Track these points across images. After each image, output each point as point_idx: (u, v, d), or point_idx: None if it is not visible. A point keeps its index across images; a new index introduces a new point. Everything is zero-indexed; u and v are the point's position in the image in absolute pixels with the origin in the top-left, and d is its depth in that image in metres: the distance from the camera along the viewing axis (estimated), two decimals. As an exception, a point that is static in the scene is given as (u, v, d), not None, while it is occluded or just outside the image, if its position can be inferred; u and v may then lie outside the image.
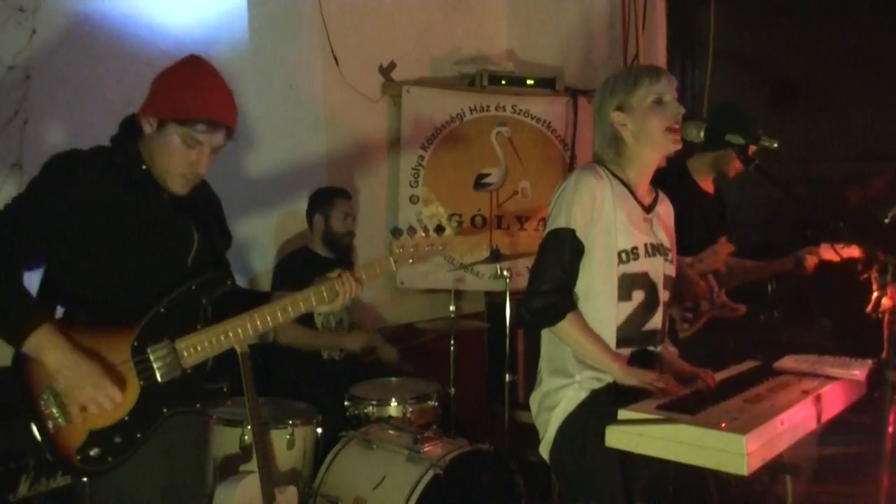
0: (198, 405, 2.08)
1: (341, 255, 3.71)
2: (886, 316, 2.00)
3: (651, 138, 2.17)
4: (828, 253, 3.16)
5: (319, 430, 3.10)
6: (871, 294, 2.05)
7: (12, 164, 2.95)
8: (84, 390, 1.88)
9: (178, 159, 2.00)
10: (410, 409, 3.32)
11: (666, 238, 2.29)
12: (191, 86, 2.00)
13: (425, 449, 2.87)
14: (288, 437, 2.95)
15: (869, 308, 2.06)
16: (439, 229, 2.33)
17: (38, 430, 1.90)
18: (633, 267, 2.18)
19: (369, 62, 4.38)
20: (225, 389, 2.11)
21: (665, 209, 2.36)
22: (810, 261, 3.16)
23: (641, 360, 2.21)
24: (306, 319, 3.63)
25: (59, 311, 2.04)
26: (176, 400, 2.02)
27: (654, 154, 2.23)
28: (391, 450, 2.94)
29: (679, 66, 4.53)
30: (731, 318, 3.14)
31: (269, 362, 3.52)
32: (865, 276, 2.06)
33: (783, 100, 4.48)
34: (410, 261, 2.31)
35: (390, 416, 3.29)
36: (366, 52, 4.34)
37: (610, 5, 4.61)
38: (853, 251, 3.07)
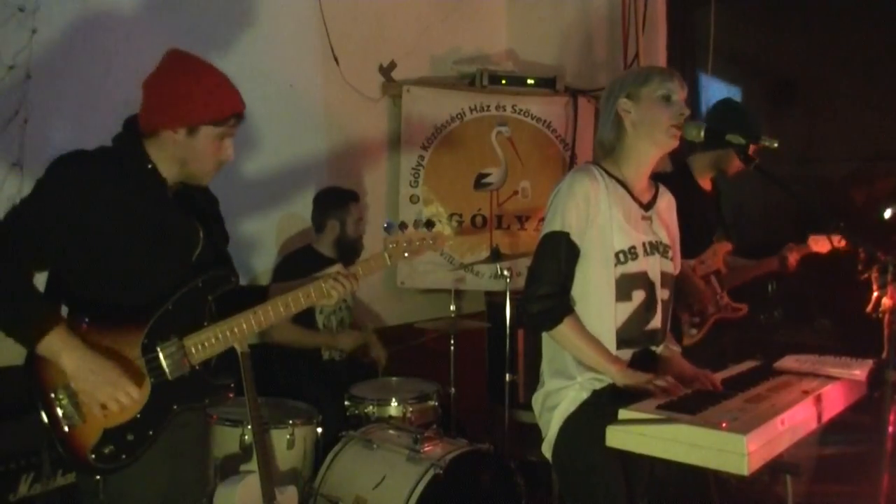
0: (206, 400, 2.11)
1: (348, 256, 3.70)
2: (886, 316, 2.00)
3: (651, 130, 2.18)
4: (817, 245, 3.17)
5: (319, 430, 3.10)
6: (871, 294, 2.05)
7: (12, 163, 2.95)
8: (103, 389, 1.91)
9: (214, 156, 2.08)
10: (410, 409, 3.32)
11: (666, 235, 2.29)
12: (212, 90, 2.04)
13: (425, 449, 2.87)
14: (288, 437, 2.95)
15: (869, 308, 2.06)
16: (429, 224, 2.35)
17: (53, 429, 1.92)
18: (632, 267, 2.18)
19: (369, 62, 4.38)
20: (231, 385, 2.14)
21: (666, 204, 2.36)
22: (791, 258, 3.17)
23: (644, 360, 2.21)
24: (308, 319, 3.64)
25: (64, 312, 2.03)
26: (185, 396, 2.05)
27: (650, 148, 2.22)
28: (391, 450, 2.95)
29: (679, 66, 4.53)
30: (734, 318, 3.15)
31: (269, 362, 3.52)
32: (865, 276, 2.06)
33: (783, 100, 4.48)
34: (406, 255, 2.34)
35: (390, 416, 3.30)
36: (366, 52, 4.34)
37: (610, 5, 4.61)
38: (841, 241, 3.10)
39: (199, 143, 2.04)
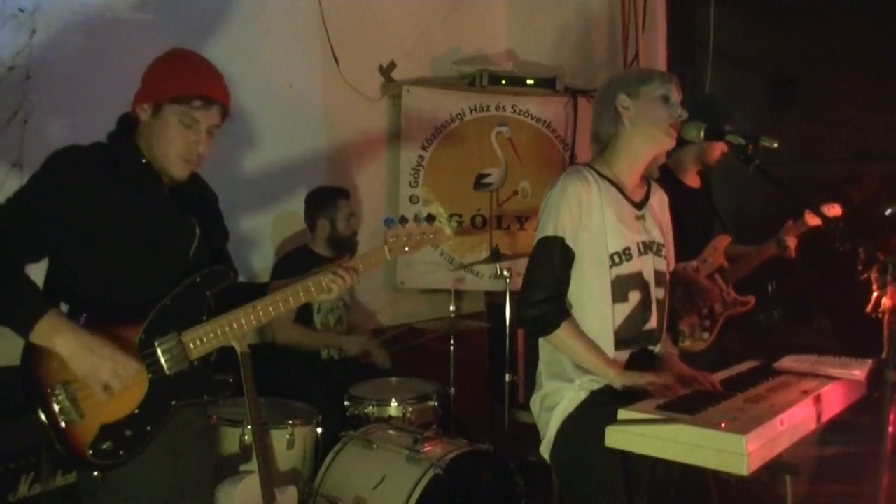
0: (205, 396, 2.10)
1: (343, 254, 3.70)
2: (886, 316, 2.00)
3: (648, 127, 2.18)
4: (813, 219, 3.14)
5: (319, 430, 3.10)
6: (871, 294, 2.05)
7: (12, 163, 2.95)
8: (103, 366, 1.89)
9: (177, 141, 2.02)
10: (410, 409, 3.32)
11: (658, 233, 2.29)
12: (183, 67, 2.04)
13: (425, 449, 2.87)
14: (288, 437, 2.95)
15: (869, 308, 2.06)
16: (430, 218, 2.34)
17: (51, 425, 1.91)
18: (627, 268, 2.18)
19: (369, 62, 4.39)
20: (231, 380, 2.13)
21: (658, 200, 2.36)
22: (790, 241, 3.14)
23: (642, 360, 2.21)
24: (305, 319, 3.64)
25: (64, 310, 2.02)
26: (184, 392, 2.04)
27: (646, 145, 2.22)
28: (391, 450, 2.94)
29: (679, 66, 4.53)
30: (744, 312, 3.13)
31: (269, 362, 3.52)
32: (865, 276, 2.06)
33: (783, 100, 4.48)
34: (406, 249, 2.32)
35: (390, 416, 3.29)
36: (366, 52, 4.34)
37: (610, 5, 4.61)
38: (836, 210, 3.05)
39: (161, 123, 2.00)
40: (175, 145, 2.02)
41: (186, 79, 2.01)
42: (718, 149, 3.02)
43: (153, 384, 1.99)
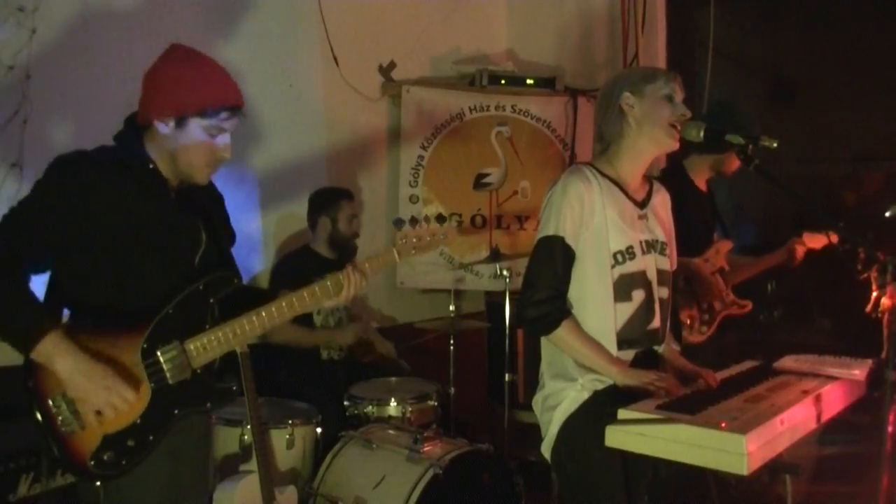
0: (208, 404, 2.07)
1: (345, 255, 3.71)
2: (886, 316, 2.00)
3: (652, 127, 2.17)
4: (811, 241, 3.17)
5: (319, 430, 3.10)
6: (871, 294, 2.05)
7: (12, 163, 2.95)
8: (98, 395, 1.87)
9: (204, 151, 2.00)
10: (410, 409, 3.31)
11: (661, 232, 2.28)
12: (203, 78, 1.99)
13: (425, 449, 2.87)
14: (288, 436, 2.95)
15: (869, 308, 2.06)
16: (440, 219, 2.33)
17: (52, 435, 1.89)
18: (630, 266, 2.17)
19: (369, 62, 4.39)
20: (234, 388, 2.12)
21: (661, 200, 2.35)
22: (799, 251, 3.17)
23: (646, 360, 2.20)
24: (306, 320, 3.64)
25: (66, 315, 2.02)
26: (187, 400, 2.01)
27: (650, 146, 2.21)
28: (391, 450, 2.94)
29: (679, 66, 4.53)
30: (740, 314, 3.15)
31: (269, 362, 3.52)
32: (865, 276, 2.06)
33: (782, 100, 4.49)
34: (413, 251, 2.30)
35: (390, 416, 3.29)
36: (366, 52, 4.34)
37: (609, 5, 4.62)
38: (833, 237, 3.08)
39: (188, 136, 1.97)
40: (203, 155, 2.01)
41: (213, 93, 1.98)
42: (737, 161, 3.04)
43: (156, 393, 1.96)
